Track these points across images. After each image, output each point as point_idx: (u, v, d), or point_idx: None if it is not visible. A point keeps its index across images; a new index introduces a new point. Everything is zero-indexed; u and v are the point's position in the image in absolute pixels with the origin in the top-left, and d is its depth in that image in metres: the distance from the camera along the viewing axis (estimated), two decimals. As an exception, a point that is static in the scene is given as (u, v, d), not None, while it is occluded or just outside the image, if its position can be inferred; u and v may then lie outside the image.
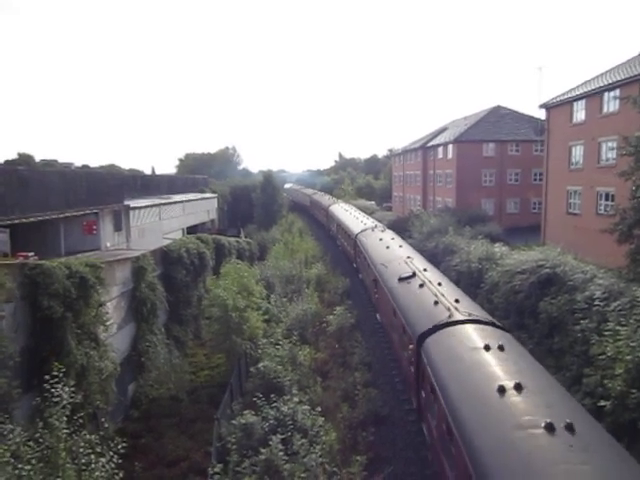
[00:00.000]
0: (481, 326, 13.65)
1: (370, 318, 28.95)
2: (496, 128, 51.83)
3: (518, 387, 9.42)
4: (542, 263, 22.73)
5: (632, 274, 19.56)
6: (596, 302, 18.43)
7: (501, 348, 11.47)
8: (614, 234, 20.66)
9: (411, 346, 15.27)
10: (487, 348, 11.54)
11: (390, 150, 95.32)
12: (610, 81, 29.40)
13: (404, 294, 18.52)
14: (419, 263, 22.44)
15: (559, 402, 9.23)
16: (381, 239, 29.80)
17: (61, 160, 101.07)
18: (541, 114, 40.44)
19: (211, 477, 14.09)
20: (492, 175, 50.89)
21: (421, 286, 18.13)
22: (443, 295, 16.47)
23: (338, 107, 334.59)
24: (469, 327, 13.51)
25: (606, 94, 30.00)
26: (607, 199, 29.49)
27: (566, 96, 34.36)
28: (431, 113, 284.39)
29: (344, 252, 42.49)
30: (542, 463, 7.51)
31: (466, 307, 15.38)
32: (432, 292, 16.96)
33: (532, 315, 21.44)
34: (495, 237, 35.87)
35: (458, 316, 14.30)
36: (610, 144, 29.10)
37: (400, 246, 27.84)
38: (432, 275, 20.00)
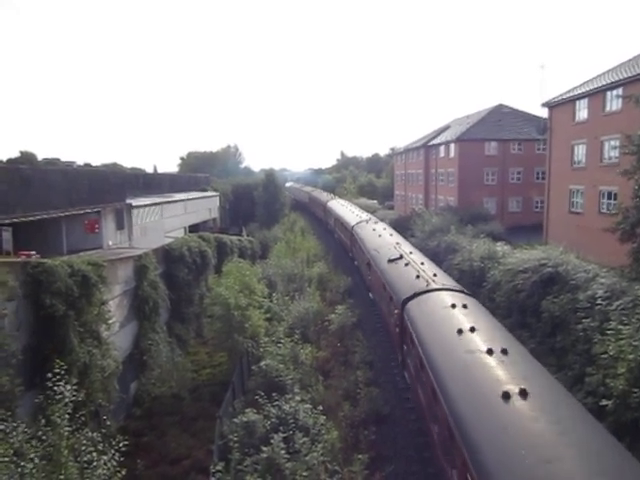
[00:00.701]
0: (452, 292, 17.25)
1: (372, 317, 28.99)
2: (498, 127, 51.75)
3: (472, 329, 12.96)
4: (544, 262, 22.72)
5: (634, 273, 19.53)
6: (598, 301, 18.42)
7: (465, 306, 15.13)
8: (616, 233, 20.62)
9: (396, 311, 18.66)
10: (454, 306, 15.11)
11: (392, 149, 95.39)
12: (613, 80, 29.34)
13: (392, 272, 22.06)
14: (406, 247, 26.91)
15: (501, 337, 12.87)
16: (374, 229, 33.71)
17: (63, 159, 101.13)
18: (543, 113, 40.42)
19: (213, 475, 14.12)
20: (494, 174, 50.81)
21: (406, 265, 21.81)
22: (424, 271, 20.20)
23: (340, 105, 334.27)
24: (442, 293, 17.05)
25: (609, 93, 29.94)
26: (610, 198, 29.43)
27: (569, 95, 34.29)
28: (433, 112, 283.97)
29: (341, 242, 46.59)
30: (483, 371, 10.86)
31: (441, 279, 19.33)
32: (415, 269, 20.71)
33: (534, 314, 21.43)
34: (497, 236, 35.87)
35: (434, 285, 17.92)
36: (613, 143, 29.04)
37: (390, 235, 32.02)
38: (416, 256, 24.20)
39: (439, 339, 13.61)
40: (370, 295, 29.08)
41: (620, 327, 15.55)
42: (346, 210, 48.95)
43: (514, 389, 9.51)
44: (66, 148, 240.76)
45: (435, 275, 19.50)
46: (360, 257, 33.13)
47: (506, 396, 9.35)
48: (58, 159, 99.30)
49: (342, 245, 45.80)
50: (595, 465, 7.56)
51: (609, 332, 15.83)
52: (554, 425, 8.50)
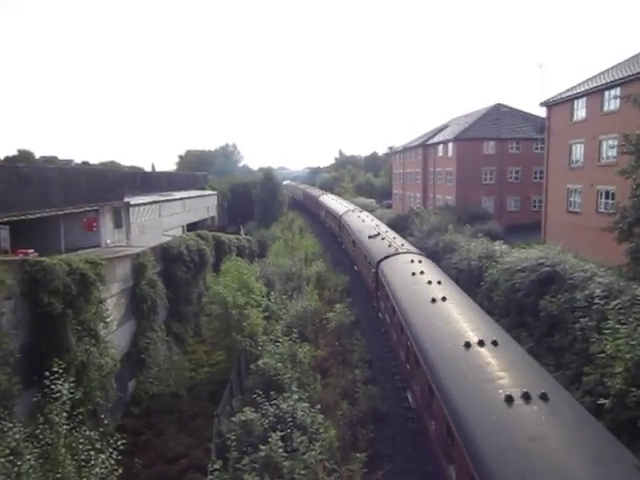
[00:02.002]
0: (412, 254, 24.82)
1: (370, 316, 29.02)
2: (496, 126, 51.78)
3: (422, 272, 20.23)
4: (542, 261, 22.75)
5: (632, 272, 19.57)
6: (596, 300, 18.45)
7: (420, 262, 22.78)
8: (614, 232, 20.66)
9: (373, 270, 25.69)
10: (412, 261, 22.80)
11: (390, 148, 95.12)
12: (611, 79, 29.36)
13: (371, 244, 29.65)
14: (382, 228, 35.54)
15: (439, 275, 20.13)
16: (359, 216, 42.63)
17: (61, 157, 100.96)
18: (542, 112, 40.45)
19: (211, 474, 14.11)
20: (492, 173, 50.85)
21: (382, 239, 29.66)
22: (395, 242, 28.30)
23: (339, 104, 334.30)
24: (406, 255, 24.72)
25: (607, 92, 29.96)
26: (607, 197, 29.47)
27: (567, 94, 34.32)
28: (432, 111, 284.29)
29: (330, 229, 54.27)
30: (427, 292, 17.28)
31: (407, 247, 27.53)
32: (388, 241, 28.61)
33: (532, 313, 21.47)
34: (495, 235, 35.91)
35: (400, 250, 25.76)
36: (611, 142, 29.08)
37: (371, 220, 40.64)
38: (390, 233, 32.90)
39: (400, 281, 20.53)
40: (355, 267, 36.33)
41: (617, 326, 15.58)
42: (335, 203, 57.97)
43: (438, 295, 16.79)
44: (64, 146, 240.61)
45: (402, 245, 28.02)
46: (347, 238, 40.65)
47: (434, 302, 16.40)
48: (56, 157, 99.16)
49: (332, 231, 52.94)
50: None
51: (607, 331, 15.85)
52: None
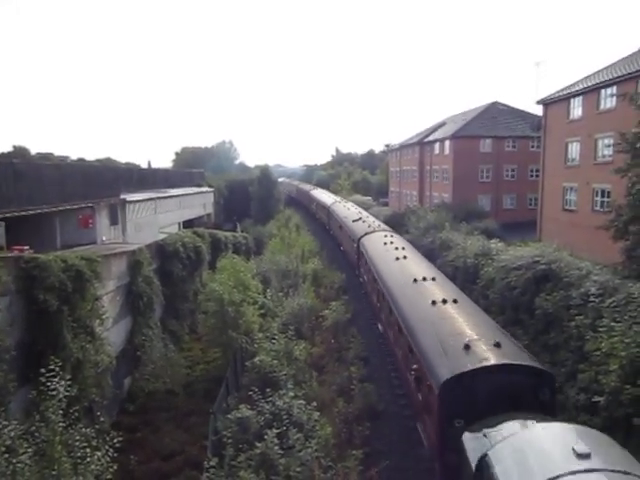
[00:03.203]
0: (386, 232, 32.68)
1: (366, 313, 29.09)
2: (493, 124, 51.88)
3: (392, 243, 27.97)
4: (538, 259, 22.81)
5: (627, 271, 19.65)
6: (591, 298, 18.51)
7: (392, 236, 30.61)
8: (610, 231, 20.72)
9: (355, 245, 33.43)
10: (385, 236, 30.22)
11: (387, 145, 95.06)
12: (607, 78, 29.44)
13: (353, 226, 37.74)
14: (364, 214, 44.47)
15: (406, 246, 27.82)
16: (345, 206, 51.25)
17: (57, 153, 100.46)
18: (538, 110, 40.50)
19: (207, 471, 14.12)
20: (489, 171, 50.94)
21: (363, 222, 37.97)
22: (373, 224, 36.93)
23: (336, 102, 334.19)
24: (381, 232, 32.47)
25: (603, 91, 30.04)
26: (603, 196, 29.56)
27: (563, 92, 34.39)
28: (429, 109, 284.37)
29: (320, 219, 61.57)
30: (398, 262, 23.68)
31: (382, 227, 36.00)
32: (367, 223, 37.09)
33: (527, 311, 21.53)
34: (491, 233, 35.99)
35: (377, 230, 33.66)
36: (607, 141, 29.15)
37: (355, 208, 49.69)
38: (370, 218, 41.65)
39: (375, 249, 27.76)
40: (341, 248, 43.65)
41: (613, 324, 15.65)
42: (324, 195, 66.96)
43: (401, 255, 24.35)
44: (59, 143, 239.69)
45: (379, 225, 37.11)
46: (334, 224, 48.46)
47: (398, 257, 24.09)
48: (51, 154, 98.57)
49: (321, 221, 60.83)
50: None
51: (602, 329, 15.92)
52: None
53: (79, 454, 11.06)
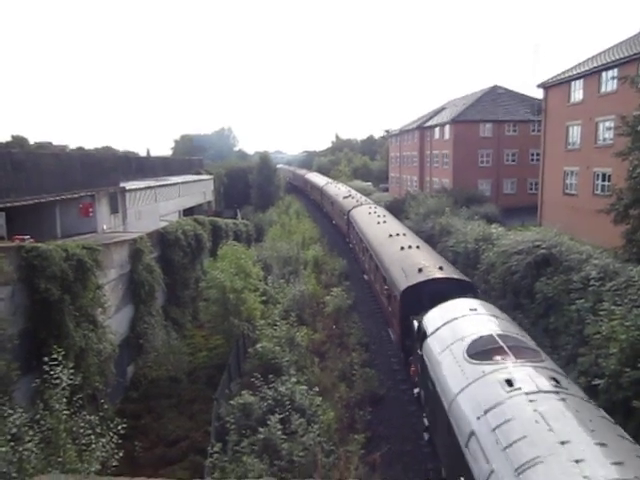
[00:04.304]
0: (371, 204, 42.03)
1: (367, 299, 29.19)
2: (493, 108, 51.57)
3: (375, 212, 36.62)
4: (538, 244, 22.80)
5: (627, 254, 19.66)
6: (592, 282, 18.54)
7: (376, 207, 39.88)
8: (610, 214, 20.69)
9: (345, 217, 40.56)
10: (370, 207, 39.37)
11: (387, 131, 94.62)
12: (608, 60, 29.21)
13: (344, 201, 44.94)
14: (353, 192, 51.50)
15: (385, 213, 36.97)
16: (336, 186, 59.09)
17: (55, 142, 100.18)
18: (539, 94, 40.25)
19: (210, 456, 14.27)
20: (489, 155, 50.77)
21: (352, 198, 45.36)
22: (360, 199, 44.44)
23: (335, 87, 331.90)
24: (366, 206, 40.11)
25: (604, 73, 29.82)
26: (604, 179, 29.49)
27: (564, 75, 34.15)
28: (429, 93, 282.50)
29: (314, 200, 69.12)
30: (378, 225, 31.94)
31: (368, 202, 44.07)
32: (356, 199, 44.31)
33: (528, 295, 21.58)
34: (492, 218, 35.96)
35: (363, 203, 41.88)
36: (607, 124, 29.02)
37: (345, 187, 57.69)
38: (358, 195, 48.90)
39: (361, 218, 34.61)
40: (333, 222, 51.41)
41: (613, 308, 15.69)
42: (318, 178, 74.81)
43: (381, 221, 32.76)
44: (58, 132, 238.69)
45: (366, 200, 45.02)
46: (327, 202, 56.36)
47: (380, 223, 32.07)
48: (50, 143, 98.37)
49: (315, 201, 68.47)
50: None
51: (602, 313, 15.97)
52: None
53: (84, 441, 11.15)
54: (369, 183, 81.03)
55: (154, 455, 16.72)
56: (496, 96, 53.22)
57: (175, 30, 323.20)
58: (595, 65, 30.49)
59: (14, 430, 10.11)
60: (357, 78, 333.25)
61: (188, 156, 78.41)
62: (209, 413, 17.53)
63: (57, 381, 11.35)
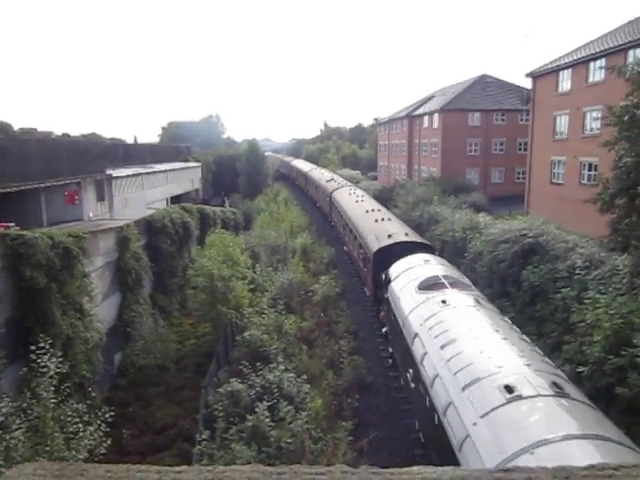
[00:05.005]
0: (351, 187, 45.08)
1: (356, 288, 29.25)
2: (482, 97, 51.67)
3: (355, 193, 40.11)
4: (525, 232, 22.99)
5: (613, 243, 19.83)
6: (577, 271, 18.76)
7: (355, 189, 43.09)
8: (596, 204, 20.87)
9: (327, 198, 45.19)
10: (350, 189, 43.35)
11: (376, 119, 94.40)
12: (596, 50, 29.31)
13: (326, 184, 49.04)
14: (336, 176, 55.48)
15: (365, 194, 41.39)
16: (320, 171, 63.08)
17: (40, 129, 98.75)
18: (527, 83, 40.34)
19: (199, 443, 14.32)
20: (477, 144, 50.92)
21: (334, 181, 49.40)
22: (342, 182, 48.76)
23: (324, 76, 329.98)
24: (347, 187, 44.28)
25: (592, 63, 29.94)
26: (590, 169, 29.71)
27: (552, 65, 34.24)
28: (418, 82, 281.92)
29: (300, 185, 72.01)
30: (356, 203, 36.64)
31: (349, 184, 47.75)
32: (337, 182, 48.76)
33: (515, 284, 21.79)
34: (479, 207, 36.16)
35: (344, 185, 45.90)
36: (595, 114, 29.18)
37: (328, 173, 61.08)
38: (340, 179, 52.65)
39: (342, 198, 38.88)
40: (317, 205, 55.02)
41: (597, 296, 15.91)
42: (303, 164, 78.88)
43: (359, 200, 36.97)
44: (43, 118, 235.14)
45: (347, 183, 48.29)
46: (311, 186, 60.62)
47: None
48: (35, 129, 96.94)
49: (300, 186, 71.54)
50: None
51: (587, 301, 16.18)
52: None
53: (72, 429, 11.16)
54: (358, 171, 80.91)
55: (142, 442, 16.76)
56: (485, 85, 53.30)
57: (163, 16, 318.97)
58: (583, 55, 30.59)
59: (1, 419, 10.07)
60: (347, 66, 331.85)
61: (175, 143, 77.71)
62: (197, 401, 17.56)
63: (44, 369, 11.31)
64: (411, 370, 13.91)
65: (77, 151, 28.21)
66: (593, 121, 29.61)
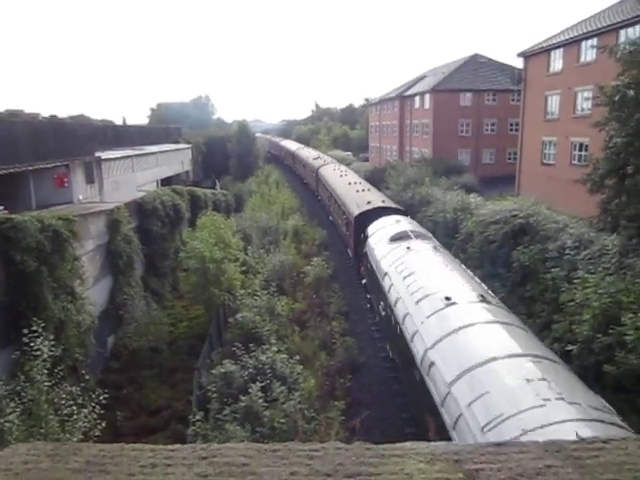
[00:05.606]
0: (335, 163, 50.16)
1: (347, 269, 29.38)
2: (473, 77, 51.40)
3: (338, 168, 45.52)
4: (516, 213, 23.09)
5: (602, 224, 20.01)
6: (567, 251, 18.90)
7: (339, 165, 48.95)
8: (586, 184, 20.97)
9: (314, 174, 49.73)
10: (334, 164, 48.73)
11: (367, 100, 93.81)
12: (588, 29, 29.19)
13: (313, 162, 53.35)
14: (322, 154, 59.61)
15: (346, 169, 47.56)
16: (307, 150, 67.28)
17: (27, 110, 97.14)
18: (519, 63, 40.18)
19: (193, 424, 14.44)
20: (469, 125, 50.81)
21: (320, 159, 54.16)
22: (327, 159, 53.64)
23: (315, 56, 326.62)
24: (332, 164, 49.01)
25: (584, 43, 29.83)
26: (581, 149, 29.80)
27: (544, 44, 34.07)
28: (410, 62, 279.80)
29: (289, 165, 76.45)
30: (340, 175, 42.33)
31: (334, 161, 52.24)
32: (323, 159, 53.73)
33: (505, 264, 21.94)
34: (470, 188, 36.19)
35: (329, 162, 50.51)
36: (586, 94, 29.16)
37: (315, 151, 65.96)
38: (325, 156, 57.68)
39: (327, 174, 43.16)
40: (305, 180, 58.72)
41: (587, 276, 16.06)
42: (291, 144, 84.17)
43: (344, 174, 42.04)
44: (28, 99, 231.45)
45: (332, 161, 51.75)
46: (299, 165, 64.54)
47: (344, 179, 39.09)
48: (22, 111, 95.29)
49: (289, 165, 76.01)
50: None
51: (576, 281, 16.33)
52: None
53: (66, 412, 11.20)
54: (349, 153, 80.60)
55: (136, 424, 16.88)
56: (477, 65, 53.00)
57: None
58: (575, 34, 30.46)
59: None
60: (338, 46, 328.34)
61: (165, 125, 76.85)
62: (191, 382, 17.67)
63: (37, 353, 11.32)
64: (382, 302, 18.05)
65: (65, 133, 27.85)
66: (584, 101, 29.59)
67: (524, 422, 7.93)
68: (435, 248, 18.79)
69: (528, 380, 8.91)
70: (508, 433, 7.74)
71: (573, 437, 6.51)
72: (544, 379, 8.88)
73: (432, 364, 11.08)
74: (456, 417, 9.25)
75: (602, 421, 7.93)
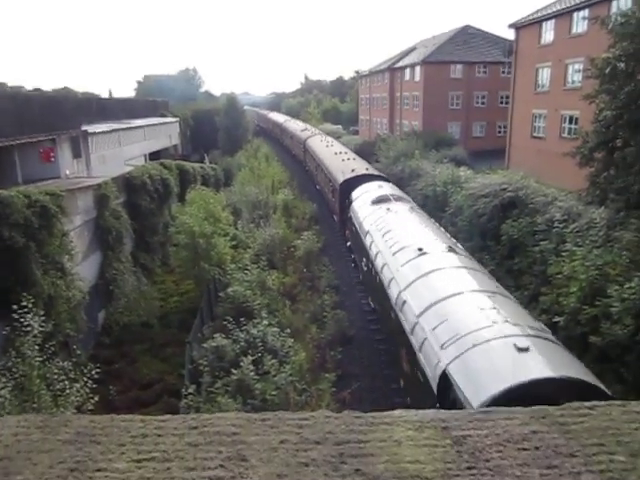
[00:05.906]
0: (322, 135, 51.65)
1: (338, 243, 29.44)
2: (464, 49, 50.88)
3: (325, 140, 47.30)
4: (505, 187, 23.18)
5: (591, 197, 20.13)
6: (555, 224, 19.06)
7: (326, 136, 50.65)
8: (576, 157, 21.01)
9: (302, 146, 51.05)
10: (321, 136, 49.88)
11: (357, 72, 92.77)
12: (580, 0, 28.87)
13: (301, 134, 54.83)
14: (309, 127, 60.44)
15: (338, 144, 47.19)
16: (295, 122, 69.75)
17: (10, 83, 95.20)
18: (511, 34, 39.76)
19: (185, 397, 14.58)
20: (459, 98, 50.48)
21: (308, 130, 55.76)
22: (315, 132, 54.33)
23: (304, 27, 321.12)
24: (318, 136, 50.51)
25: (575, 14, 29.54)
26: (571, 122, 29.77)
27: (535, 16, 33.71)
28: (400, 33, 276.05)
29: (277, 137, 78.70)
30: (329, 154, 40.25)
31: (321, 133, 53.92)
32: (310, 131, 54.94)
33: (494, 237, 22.10)
34: (460, 161, 36.18)
35: (317, 134, 51.97)
36: (577, 66, 29.02)
37: (303, 123, 67.34)
38: (313, 129, 58.66)
39: (315, 145, 45.14)
40: (292, 152, 60.40)
41: (574, 249, 16.25)
42: (279, 116, 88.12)
43: (330, 145, 43.45)
44: (9, 71, 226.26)
45: (320, 132, 53.93)
46: (287, 136, 66.75)
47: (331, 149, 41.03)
48: (4, 84, 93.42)
49: (277, 138, 78.26)
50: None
51: (564, 254, 16.53)
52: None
53: (58, 387, 11.25)
54: (339, 126, 79.97)
55: (129, 398, 16.98)
56: (467, 37, 52.41)
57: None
58: (566, 5, 30.14)
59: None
60: (327, 16, 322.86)
61: (152, 97, 75.64)
62: (182, 356, 17.77)
63: (28, 329, 11.30)
64: (364, 259, 20.26)
65: (50, 106, 27.33)
66: (575, 73, 29.47)
67: (475, 338, 9.63)
68: (412, 209, 21.14)
69: (482, 309, 10.71)
70: (463, 346, 9.59)
71: (513, 347, 8.79)
72: (494, 308, 10.70)
73: (404, 302, 12.98)
74: (422, 340, 11.03)
75: (537, 337, 9.55)
